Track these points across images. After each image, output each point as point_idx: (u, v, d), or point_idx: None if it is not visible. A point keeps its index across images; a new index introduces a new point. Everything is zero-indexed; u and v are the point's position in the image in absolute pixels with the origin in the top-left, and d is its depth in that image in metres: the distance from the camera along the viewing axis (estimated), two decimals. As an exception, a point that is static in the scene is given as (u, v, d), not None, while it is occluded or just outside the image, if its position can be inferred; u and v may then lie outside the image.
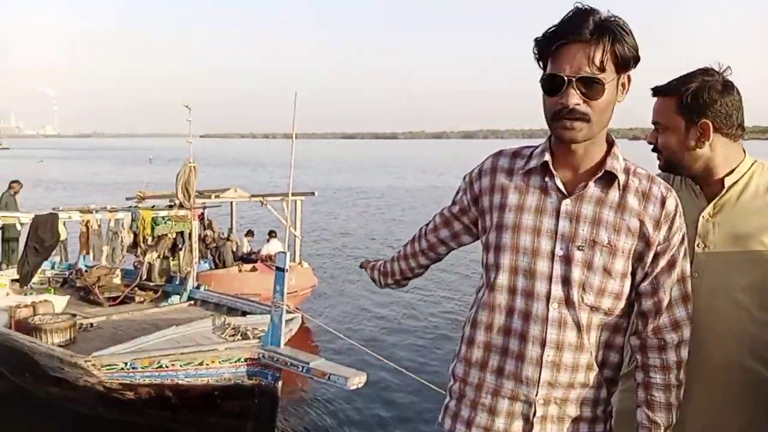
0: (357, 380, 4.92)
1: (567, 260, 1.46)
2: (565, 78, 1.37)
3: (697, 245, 1.75)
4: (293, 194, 9.83)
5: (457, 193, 1.72)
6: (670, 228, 1.49)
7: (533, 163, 1.54)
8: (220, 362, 5.41)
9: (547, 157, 1.50)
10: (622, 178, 1.48)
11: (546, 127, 1.50)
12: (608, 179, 1.48)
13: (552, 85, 1.40)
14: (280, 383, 5.51)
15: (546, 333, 1.46)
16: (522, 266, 1.49)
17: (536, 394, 1.48)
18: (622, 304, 1.50)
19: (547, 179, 1.51)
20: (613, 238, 1.47)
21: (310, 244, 16.95)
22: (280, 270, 5.34)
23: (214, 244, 11.25)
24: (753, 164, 1.79)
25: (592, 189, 1.48)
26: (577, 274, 1.46)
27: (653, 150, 1.86)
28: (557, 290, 1.47)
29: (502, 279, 1.52)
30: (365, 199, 30.44)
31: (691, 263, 1.65)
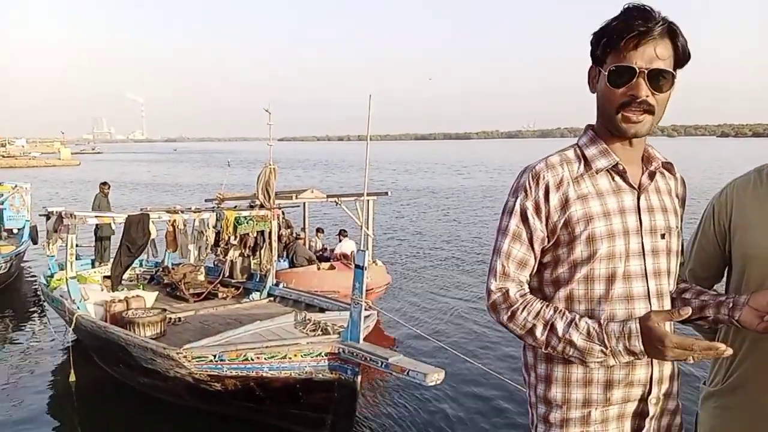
0: (436, 377, 4.96)
1: (656, 253, 1.53)
2: (637, 69, 1.41)
3: None
4: (367, 194, 9.99)
5: (525, 221, 1.53)
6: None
7: (600, 164, 1.52)
8: (302, 356, 5.58)
9: (614, 156, 1.52)
10: (669, 167, 1.61)
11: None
12: (656, 168, 1.58)
13: (621, 78, 1.43)
14: (359, 378, 5.63)
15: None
16: (621, 270, 1.50)
17: (649, 393, 1.53)
18: None
19: (617, 179, 1.54)
20: (676, 222, 1.60)
21: (382, 243, 17.13)
22: (359, 268, 5.46)
23: (290, 244, 11.58)
24: None
25: (655, 180, 1.57)
26: (664, 264, 1.55)
27: None
28: (653, 285, 1.53)
29: (614, 286, 1.50)
30: (435, 199, 30.38)
31: None
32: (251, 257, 9.42)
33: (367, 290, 5.90)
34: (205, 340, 6.15)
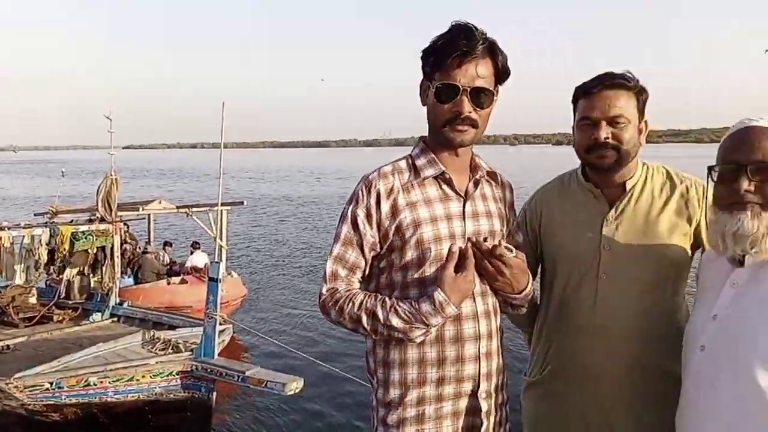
0: (294, 385, 4.95)
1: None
2: (460, 87, 1.50)
3: (603, 247, 1.79)
4: (221, 204, 9.70)
5: (356, 227, 1.58)
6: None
7: (428, 173, 1.60)
8: (151, 377, 5.30)
9: (441, 166, 1.60)
10: (493, 175, 1.71)
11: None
12: (481, 176, 1.67)
13: (446, 94, 1.52)
14: (214, 394, 5.46)
15: (479, 326, 1.59)
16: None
17: (478, 387, 1.59)
18: None
19: (444, 187, 1.61)
20: (501, 225, 1.69)
21: (238, 253, 16.70)
22: (213, 280, 5.30)
23: (135, 258, 10.91)
24: (644, 166, 1.87)
25: (480, 188, 1.66)
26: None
27: (600, 147, 1.75)
28: (478, 285, 1.59)
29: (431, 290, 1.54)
30: (293, 207, 30.24)
31: (598, 266, 1.79)
32: (91, 275, 8.72)
33: (221, 303, 5.73)
34: (40, 367, 5.59)
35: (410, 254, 1.56)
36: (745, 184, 1.39)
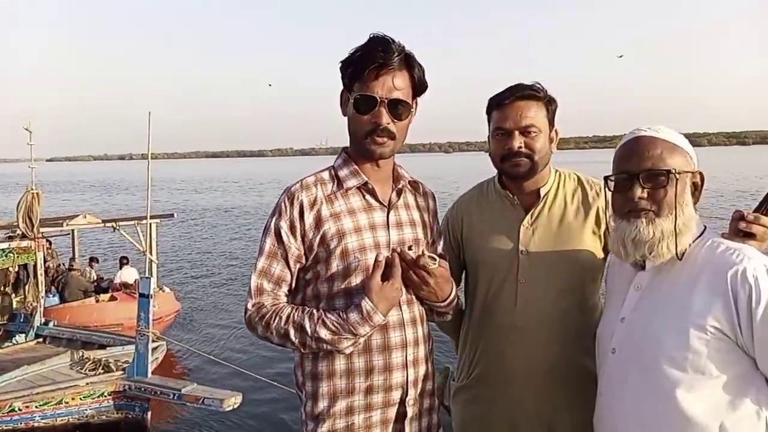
0: (232, 401, 4.89)
1: None
2: (378, 99, 1.52)
3: (521, 252, 1.85)
4: (150, 217, 9.43)
5: (280, 240, 1.57)
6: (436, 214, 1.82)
7: (351, 183, 1.60)
8: (81, 399, 5.10)
9: (363, 176, 1.61)
10: (415, 185, 1.73)
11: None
12: (403, 186, 1.69)
13: (365, 106, 1.53)
14: (149, 414, 5.31)
15: (405, 334, 1.60)
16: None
17: (407, 395, 1.60)
18: None
19: (368, 197, 1.62)
20: (424, 233, 1.71)
21: (170, 267, 16.24)
22: (144, 296, 5.17)
23: (60, 276, 10.45)
24: (557, 173, 1.94)
25: (403, 197, 1.68)
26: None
27: (514, 156, 1.82)
28: (404, 294, 1.60)
29: (357, 299, 1.54)
30: (228, 218, 29.64)
31: (517, 270, 1.84)
32: (13, 295, 8.29)
33: (154, 320, 5.58)
34: (-43, 396, 5.27)
35: (335, 265, 1.56)
36: (638, 192, 1.44)
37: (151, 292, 5.17)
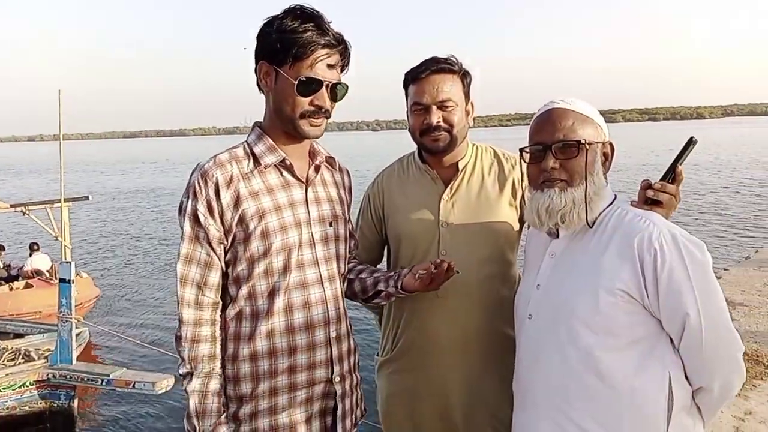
0: (165, 383, 4.83)
1: (325, 240, 1.62)
2: (324, 82, 1.51)
3: (441, 225, 1.88)
4: (64, 200, 8.98)
5: (199, 223, 1.51)
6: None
7: (269, 160, 1.56)
8: (1, 390, 4.87)
9: (281, 153, 1.57)
10: (331, 161, 1.72)
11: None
12: (320, 162, 1.68)
13: (308, 88, 1.50)
14: (75, 402, 5.17)
15: (328, 311, 1.60)
16: (294, 260, 1.55)
17: (332, 372, 1.60)
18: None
19: (285, 174, 1.59)
20: (342, 210, 1.71)
21: (85, 252, 15.56)
22: (65, 282, 4.98)
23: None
24: (474, 147, 1.98)
25: (320, 174, 1.67)
26: (333, 250, 1.64)
27: (433, 131, 1.84)
28: (325, 270, 1.60)
29: (290, 276, 1.54)
30: (147, 199, 28.52)
31: (438, 243, 1.87)
32: None
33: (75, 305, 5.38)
34: None
35: (255, 246, 1.51)
36: (550, 163, 1.48)
37: (72, 277, 4.98)
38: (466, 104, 1.91)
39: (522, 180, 1.91)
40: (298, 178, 1.60)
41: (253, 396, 1.53)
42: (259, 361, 1.53)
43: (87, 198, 11.98)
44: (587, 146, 1.47)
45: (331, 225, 1.62)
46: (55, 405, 5.07)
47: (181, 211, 1.53)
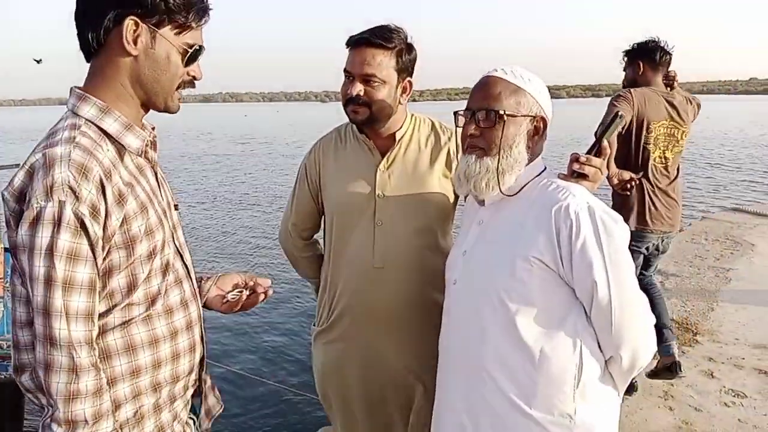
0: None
1: (176, 227, 1.38)
2: (203, 48, 1.29)
3: (378, 196, 1.88)
4: None
5: (85, 234, 1.11)
6: None
7: (135, 143, 1.25)
8: (-61, 366, 4.66)
9: (140, 130, 1.27)
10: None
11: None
12: (154, 137, 1.41)
13: (192, 59, 1.29)
14: (23, 373, 4.97)
15: (198, 306, 1.42)
16: (170, 257, 1.32)
17: (204, 370, 1.43)
18: None
19: (150, 154, 1.34)
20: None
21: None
22: (7, 250, 4.79)
23: None
24: (412, 118, 1.97)
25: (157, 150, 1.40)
26: (182, 235, 1.41)
27: (352, 101, 1.82)
28: (188, 261, 1.40)
29: (169, 275, 1.30)
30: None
31: (374, 213, 1.88)
32: None
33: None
34: None
35: (140, 250, 1.19)
36: (471, 129, 1.50)
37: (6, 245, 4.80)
38: (401, 81, 1.87)
39: (458, 152, 1.89)
40: (149, 159, 1.32)
41: (134, 392, 1.26)
42: (140, 354, 1.25)
43: None
44: (506, 117, 1.47)
45: (176, 208, 1.39)
46: (3, 376, 4.91)
47: (43, 219, 1.07)
